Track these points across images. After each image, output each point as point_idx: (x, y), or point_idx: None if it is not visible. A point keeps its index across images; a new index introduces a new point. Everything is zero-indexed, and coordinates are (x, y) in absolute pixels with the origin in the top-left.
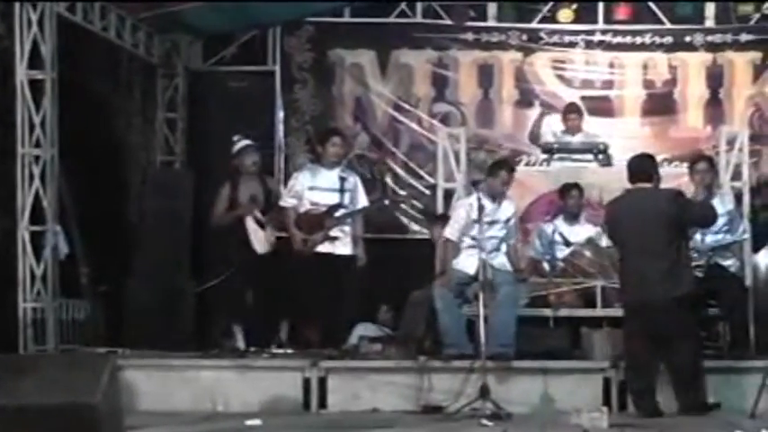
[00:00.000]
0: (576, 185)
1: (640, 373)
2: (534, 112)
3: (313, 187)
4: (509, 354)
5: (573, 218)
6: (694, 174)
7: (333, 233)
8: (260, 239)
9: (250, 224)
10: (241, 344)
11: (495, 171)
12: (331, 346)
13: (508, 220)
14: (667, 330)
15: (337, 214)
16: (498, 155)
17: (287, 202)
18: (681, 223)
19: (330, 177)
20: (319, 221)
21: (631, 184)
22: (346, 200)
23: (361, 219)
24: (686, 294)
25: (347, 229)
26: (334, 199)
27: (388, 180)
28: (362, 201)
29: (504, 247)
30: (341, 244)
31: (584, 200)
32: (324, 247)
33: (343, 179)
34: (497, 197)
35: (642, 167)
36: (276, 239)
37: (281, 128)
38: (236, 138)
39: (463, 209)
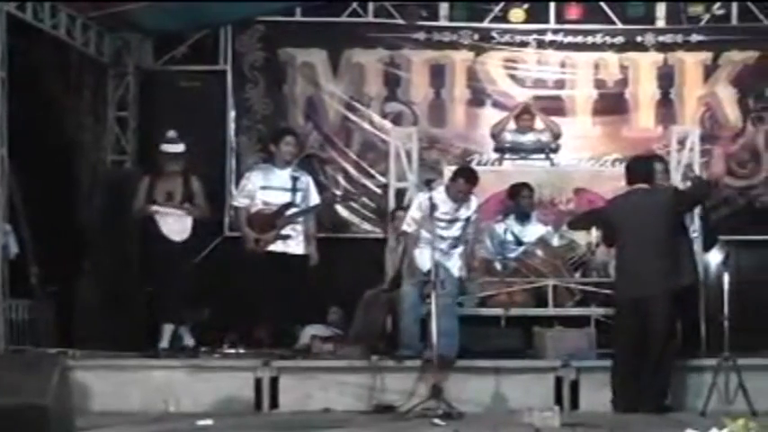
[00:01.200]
0: (527, 185)
1: (627, 369)
2: (486, 112)
3: (265, 187)
4: (450, 357)
5: (524, 217)
6: None
7: (285, 232)
8: (175, 229)
9: (162, 218)
10: (166, 344)
11: (454, 177)
12: (283, 346)
13: (468, 219)
14: (655, 327)
15: (289, 213)
16: (450, 154)
17: (239, 201)
18: (679, 216)
19: (282, 177)
20: (271, 221)
21: (629, 185)
22: (298, 199)
23: (314, 218)
24: (688, 285)
25: (299, 227)
26: (286, 198)
27: (340, 179)
28: (314, 200)
29: (459, 248)
30: (293, 243)
31: (534, 199)
32: (276, 246)
33: (295, 178)
34: (456, 200)
35: (641, 169)
36: (194, 223)
37: (232, 127)
38: (170, 133)
39: (419, 203)
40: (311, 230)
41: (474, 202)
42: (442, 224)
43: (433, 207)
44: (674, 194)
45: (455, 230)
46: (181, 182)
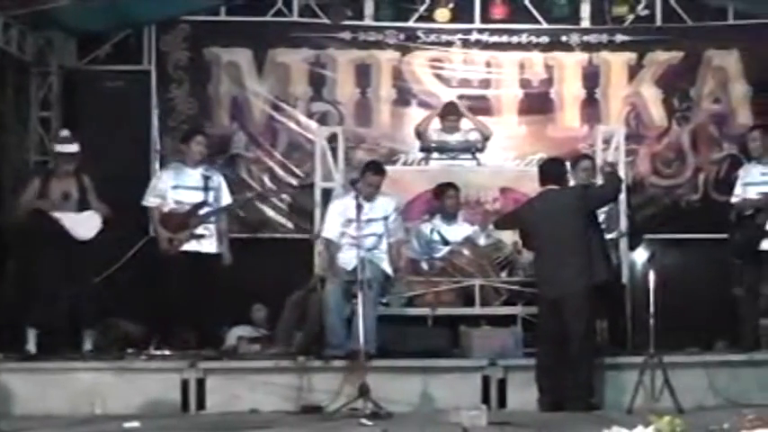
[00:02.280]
0: (453, 185)
1: (550, 368)
2: (412, 111)
3: (177, 186)
4: (370, 351)
5: (451, 217)
6: (578, 172)
7: (198, 231)
8: (80, 229)
9: (63, 216)
10: (33, 348)
11: (362, 172)
12: (209, 347)
13: (386, 218)
14: (574, 326)
15: (202, 212)
16: (377, 154)
17: (149, 201)
18: (590, 214)
19: (194, 176)
20: (184, 220)
21: (542, 186)
22: (211, 198)
23: (226, 217)
24: (601, 282)
25: (212, 227)
26: (198, 197)
27: (266, 179)
28: (227, 199)
29: (383, 245)
30: (207, 242)
31: (461, 199)
32: (190, 246)
33: (207, 177)
34: (368, 197)
35: (552, 170)
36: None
37: (156, 127)
38: (63, 133)
39: (336, 208)
40: (224, 230)
41: (391, 200)
42: (362, 224)
43: (359, 207)
44: (582, 193)
45: (373, 229)
46: (75, 181)
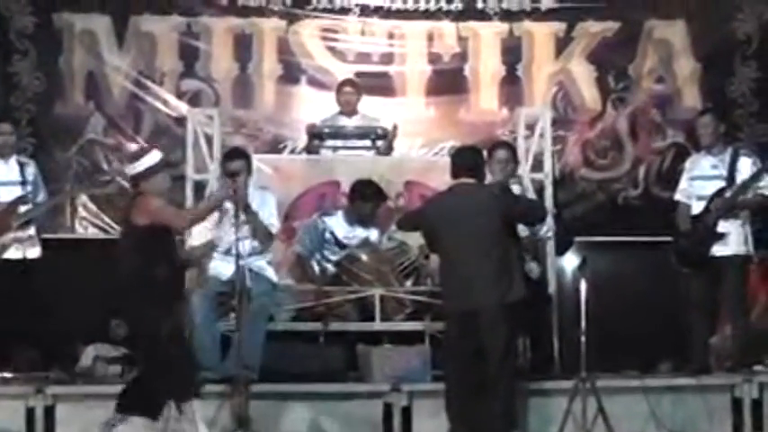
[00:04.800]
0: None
1: (462, 395)
2: (301, 91)
3: None
4: (252, 376)
5: (356, 219)
6: (493, 163)
7: (20, 234)
8: None
9: None
10: None
11: (222, 161)
12: (58, 369)
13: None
14: (491, 344)
15: (24, 210)
16: (258, 140)
17: None
18: (508, 221)
19: (7, 169)
20: (4, 221)
21: (454, 179)
22: (30, 193)
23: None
24: (517, 301)
25: (32, 229)
26: (16, 193)
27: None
28: (43, 192)
29: (266, 252)
30: (30, 246)
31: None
32: (13, 253)
33: (21, 167)
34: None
35: (466, 160)
36: None
37: None
38: None
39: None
40: (41, 230)
41: (271, 196)
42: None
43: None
44: (501, 193)
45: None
46: None
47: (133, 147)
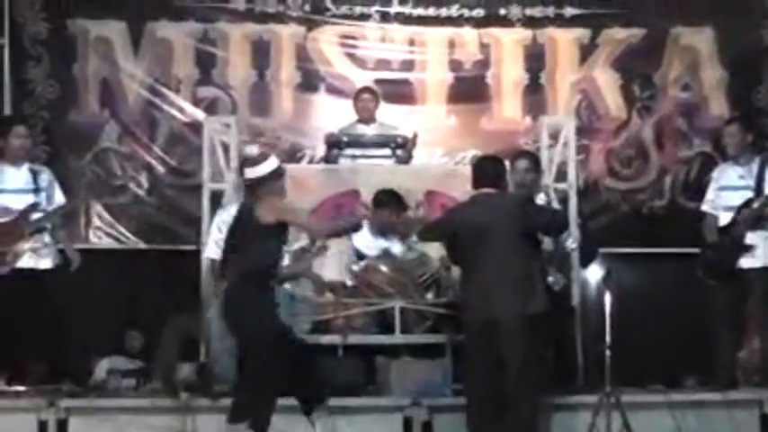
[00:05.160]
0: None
1: (483, 409)
2: (319, 98)
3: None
4: None
5: (377, 230)
6: (513, 173)
7: (34, 244)
8: None
9: None
10: None
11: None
12: (71, 381)
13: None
14: (510, 355)
15: (35, 218)
16: (276, 149)
17: None
18: (529, 231)
19: (19, 176)
20: (17, 229)
21: (475, 189)
22: (43, 200)
23: (62, 220)
24: (539, 313)
25: (47, 237)
26: (28, 200)
27: (143, 179)
28: (59, 198)
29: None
30: (44, 255)
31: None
32: (26, 262)
33: (35, 174)
34: None
35: (487, 170)
36: None
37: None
38: None
39: (220, 219)
40: (62, 235)
41: None
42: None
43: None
44: (525, 203)
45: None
46: None
47: (254, 151)
